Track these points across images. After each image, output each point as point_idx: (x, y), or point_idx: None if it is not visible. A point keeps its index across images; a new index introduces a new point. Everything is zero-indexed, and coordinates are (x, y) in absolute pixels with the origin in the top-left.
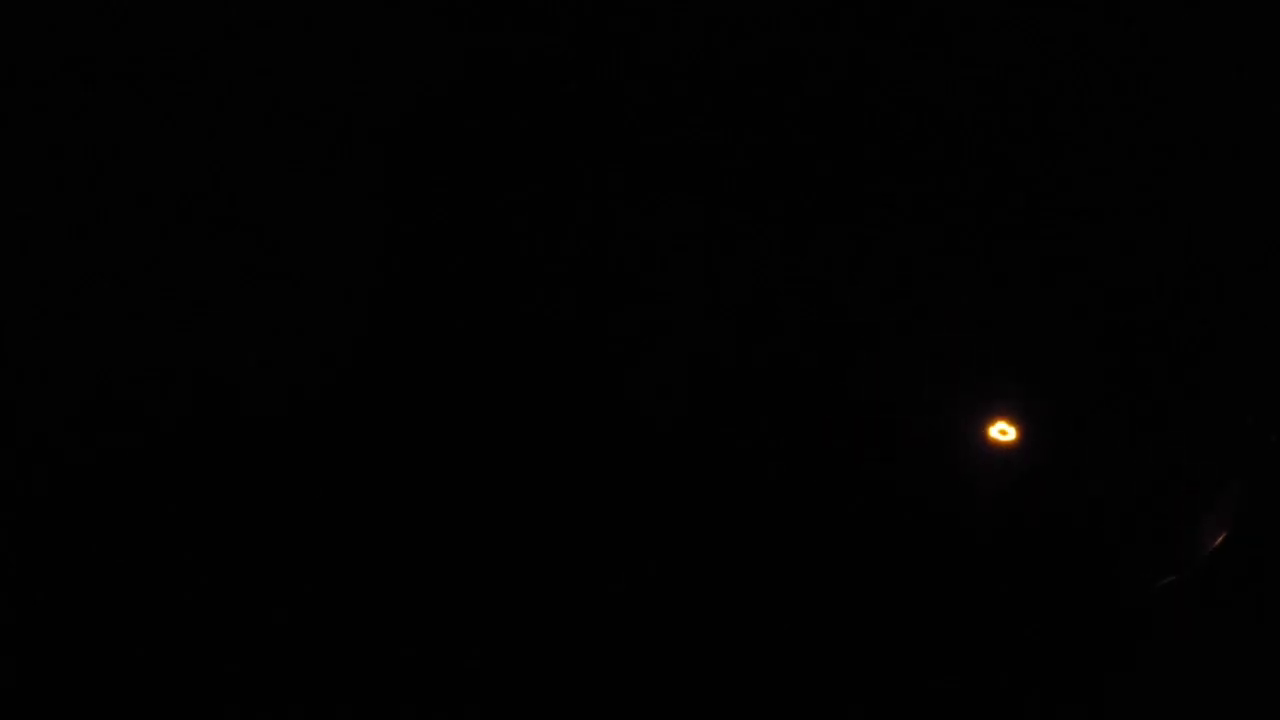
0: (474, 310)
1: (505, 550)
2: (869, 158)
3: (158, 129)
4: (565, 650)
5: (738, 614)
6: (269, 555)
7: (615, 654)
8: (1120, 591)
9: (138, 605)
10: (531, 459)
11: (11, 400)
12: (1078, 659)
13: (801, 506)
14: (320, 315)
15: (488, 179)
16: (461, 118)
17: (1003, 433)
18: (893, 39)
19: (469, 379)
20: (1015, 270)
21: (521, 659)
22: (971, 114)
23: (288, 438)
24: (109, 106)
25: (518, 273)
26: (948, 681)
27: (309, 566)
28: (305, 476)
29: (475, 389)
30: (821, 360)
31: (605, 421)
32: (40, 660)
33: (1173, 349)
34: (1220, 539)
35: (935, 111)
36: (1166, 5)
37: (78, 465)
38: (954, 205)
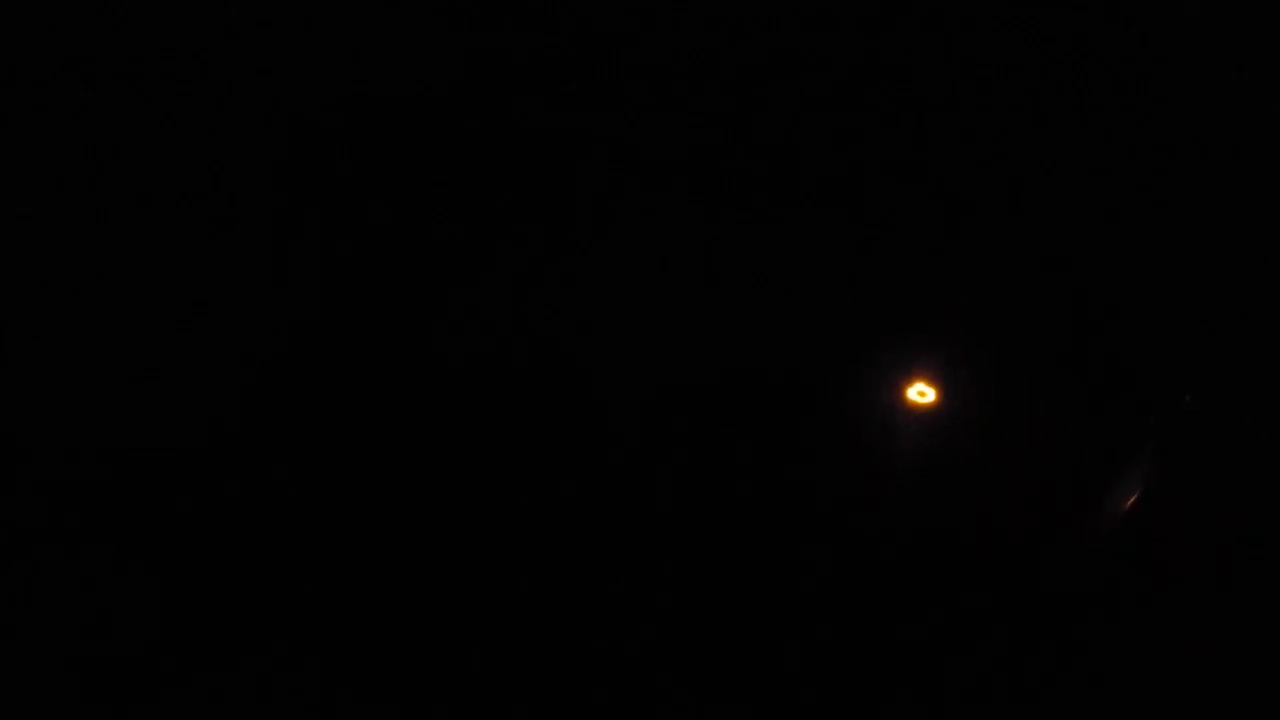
0: (471, 310)
1: (497, 552)
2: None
3: (156, 125)
4: (556, 651)
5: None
6: (262, 560)
7: (605, 655)
8: (1041, 555)
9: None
10: (527, 460)
11: None
12: (1000, 620)
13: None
14: (317, 314)
15: (486, 179)
16: (461, 118)
17: (921, 394)
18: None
19: (465, 378)
20: (934, 235)
21: (511, 661)
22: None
23: (284, 440)
24: (126, 109)
25: (516, 273)
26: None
27: (302, 572)
28: (302, 480)
29: (472, 389)
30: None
31: (598, 422)
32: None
33: (1088, 312)
34: (1134, 499)
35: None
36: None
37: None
38: (872, 183)
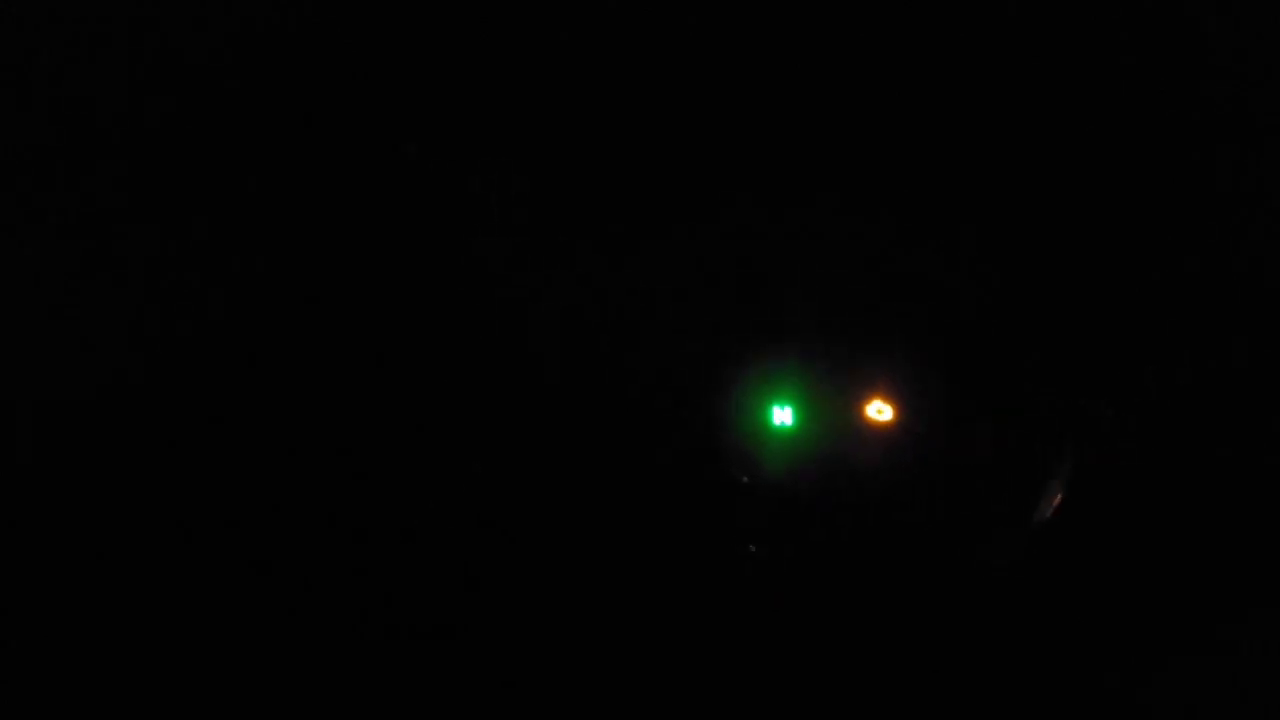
0: (470, 310)
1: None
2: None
3: (157, 122)
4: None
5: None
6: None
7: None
8: (974, 560)
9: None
10: (520, 460)
11: None
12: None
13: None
14: (316, 312)
15: (478, 178)
16: (449, 117)
17: (879, 412)
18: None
19: (461, 378)
20: (882, 250)
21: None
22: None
23: (282, 443)
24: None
25: (513, 273)
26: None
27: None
28: (301, 481)
29: (468, 388)
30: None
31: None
32: None
33: (1021, 324)
34: (1056, 503)
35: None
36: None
37: None
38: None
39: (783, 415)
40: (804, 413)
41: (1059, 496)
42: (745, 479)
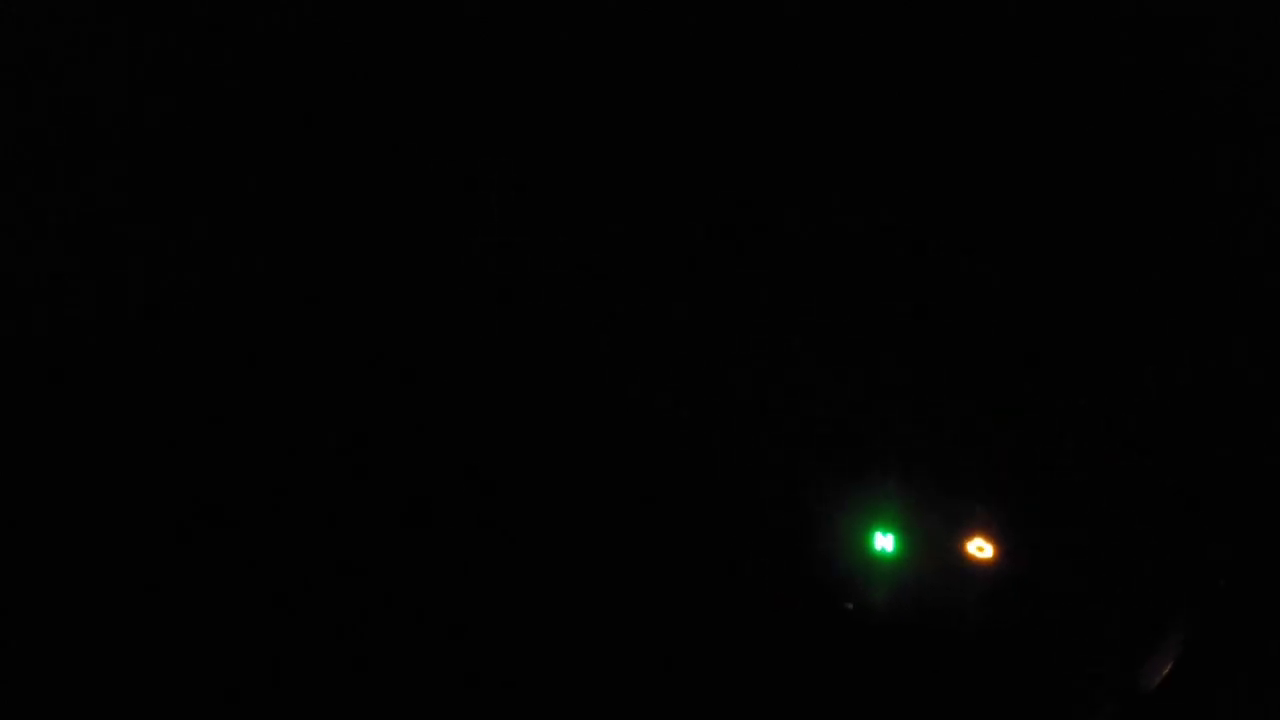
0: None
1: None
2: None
3: (157, 122)
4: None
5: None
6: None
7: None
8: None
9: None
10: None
11: None
12: None
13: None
14: (316, 312)
15: (476, 176)
16: (445, 116)
17: (980, 549)
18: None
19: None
20: (984, 387)
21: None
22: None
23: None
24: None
25: (508, 274)
26: None
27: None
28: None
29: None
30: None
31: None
32: None
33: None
34: (1166, 672)
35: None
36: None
37: None
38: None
39: (884, 542)
40: (905, 540)
41: (1169, 666)
42: (850, 605)
